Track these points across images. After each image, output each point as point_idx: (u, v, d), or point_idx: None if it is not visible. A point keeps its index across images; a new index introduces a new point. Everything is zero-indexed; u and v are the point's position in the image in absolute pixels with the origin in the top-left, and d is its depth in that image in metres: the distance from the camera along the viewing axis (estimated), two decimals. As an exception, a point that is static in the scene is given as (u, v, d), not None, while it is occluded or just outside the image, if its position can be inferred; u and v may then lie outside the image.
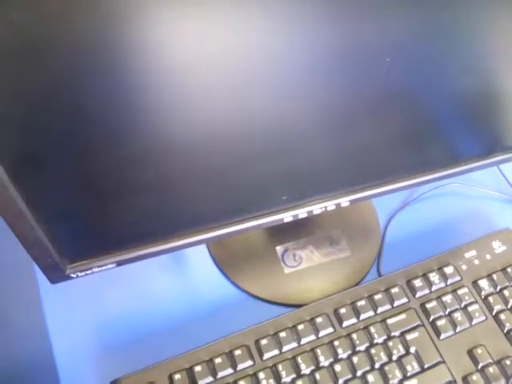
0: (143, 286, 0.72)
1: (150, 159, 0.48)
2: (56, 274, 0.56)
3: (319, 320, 0.65)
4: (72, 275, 0.57)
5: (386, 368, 0.63)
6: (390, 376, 0.62)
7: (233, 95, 0.46)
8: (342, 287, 0.71)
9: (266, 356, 0.63)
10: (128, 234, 0.56)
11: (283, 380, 0.61)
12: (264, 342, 0.63)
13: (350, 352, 0.64)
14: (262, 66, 0.44)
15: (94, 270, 0.57)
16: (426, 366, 0.63)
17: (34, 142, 0.42)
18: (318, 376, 0.61)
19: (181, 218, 0.58)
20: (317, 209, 0.64)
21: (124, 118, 0.43)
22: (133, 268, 0.68)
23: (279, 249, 0.73)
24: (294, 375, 0.61)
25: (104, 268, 0.58)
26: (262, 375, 0.61)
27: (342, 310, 0.67)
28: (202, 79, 0.43)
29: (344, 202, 0.65)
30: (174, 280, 0.72)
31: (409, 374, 0.63)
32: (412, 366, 0.63)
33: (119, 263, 0.58)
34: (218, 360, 0.62)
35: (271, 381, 0.61)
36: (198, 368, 0.61)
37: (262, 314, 0.68)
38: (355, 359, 0.63)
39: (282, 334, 0.64)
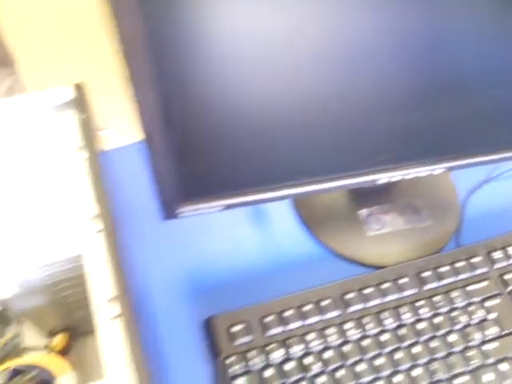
0: (233, 236, 0.75)
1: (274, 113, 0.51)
2: (169, 211, 0.60)
3: (403, 281, 0.68)
4: (182, 214, 0.60)
5: (467, 330, 0.65)
6: (470, 338, 0.64)
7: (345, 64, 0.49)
8: (422, 254, 0.73)
9: (352, 309, 0.66)
10: (233, 181, 0.60)
11: (367, 332, 0.64)
12: (350, 295, 0.67)
13: (431, 313, 0.66)
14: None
15: (201, 211, 0.61)
16: (506, 332, 0.65)
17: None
18: (401, 332, 0.64)
19: (284, 169, 0.61)
20: (411, 173, 0.66)
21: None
22: (224, 219, 0.72)
23: (363, 212, 0.76)
24: (378, 329, 0.64)
25: (210, 210, 0.61)
26: (347, 325, 0.64)
27: (425, 274, 0.69)
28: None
29: (438, 169, 0.67)
30: (260, 232, 0.76)
31: (489, 338, 0.65)
32: (492, 331, 0.65)
33: (226, 207, 0.62)
34: (306, 307, 0.65)
35: (356, 332, 0.64)
36: (288, 312, 0.64)
37: (342, 272, 0.71)
38: (437, 320, 0.66)
39: (367, 291, 0.67)
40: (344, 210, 0.78)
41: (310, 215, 0.77)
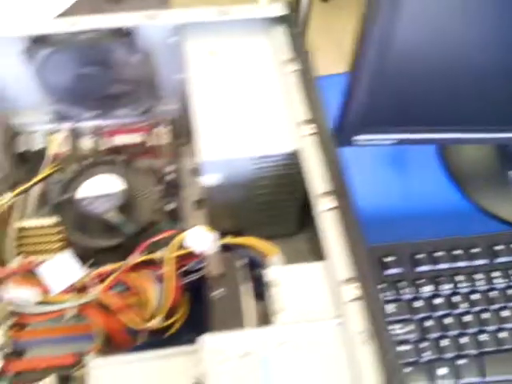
0: (377, 176, 0.78)
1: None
2: (346, 138, 0.63)
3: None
4: (357, 142, 0.63)
5: None
6: None
7: None
8: None
9: (499, 260, 0.67)
10: (407, 118, 0.62)
11: (512, 284, 0.65)
12: (499, 247, 0.68)
13: None
14: None
15: (374, 142, 0.64)
16: None
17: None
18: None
19: (454, 115, 0.63)
20: None
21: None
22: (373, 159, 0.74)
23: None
24: (524, 282, 0.65)
25: (382, 142, 0.64)
26: (495, 274, 0.66)
27: None
28: None
29: None
30: (404, 177, 0.78)
31: None
32: None
33: (397, 141, 0.64)
34: (456, 252, 0.67)
35: (503, 281, 0.65)
36: (438, 253, 0.67)
37: (484, 227, 0.73)
38: None
39: (515, 246, 0.68)
40: (494, 168, 0.78)
41: (457, 168, 0.79)
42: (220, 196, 0.55)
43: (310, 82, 0.53)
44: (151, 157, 0.70)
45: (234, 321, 0.43)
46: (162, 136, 0.69)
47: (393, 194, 0.76)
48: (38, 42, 0.56)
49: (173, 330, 0.51)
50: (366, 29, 0.51)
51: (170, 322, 0.49)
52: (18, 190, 0.60)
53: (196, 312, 0.53)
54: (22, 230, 0.59)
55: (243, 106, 0.53)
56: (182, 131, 0.71)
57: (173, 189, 0.67)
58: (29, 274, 0.51)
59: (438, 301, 0.64)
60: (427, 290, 0.64)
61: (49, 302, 0.50)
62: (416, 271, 0.66)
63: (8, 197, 0.58)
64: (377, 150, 0.69)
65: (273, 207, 0.59)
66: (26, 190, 0.61)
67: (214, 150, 0.50)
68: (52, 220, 0.59)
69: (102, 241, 0.57)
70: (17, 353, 0.57)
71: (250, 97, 0.54)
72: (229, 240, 0.48)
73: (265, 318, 0.45)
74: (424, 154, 0.80)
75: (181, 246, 0.49)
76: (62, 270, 0.47)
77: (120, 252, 0.58)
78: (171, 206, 0.64)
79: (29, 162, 0.68)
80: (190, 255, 0.50)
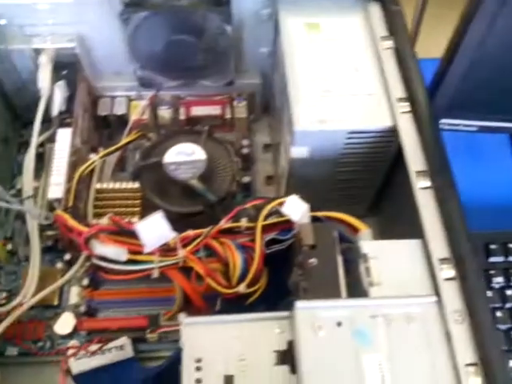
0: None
1: None
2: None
3: None
4: (442, 126, 0.62)
5: None
6: None
7: None
8: None
9: None
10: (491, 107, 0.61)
11: None
12: None
13: None
14: None
15: (459, 127, 0.63)
16: None
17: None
18: None
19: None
20: None
21: None
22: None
23: None
24: None
25: (466, 128, 0.63)
26: None
27: None
28: None
29: None
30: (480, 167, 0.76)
31: None
32: None
33: (479, 128, 0.63)
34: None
35: None
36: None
37: None
38: None
39: None
40: None
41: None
42: (303, 170, 0.55)
43: (406, 60, 0.52)
44: (227, 130, 0.71)
45: (330, 289, 0.43)
46: (239, 110, 0.69)
47: (468, 182, 0.74)
48: (134, 5, 0.56)
49: (253, 299, 0.51)
50: (469, 17, 0.50)
51: (252, 289, 0.49)
52: (102, 153, 0.61)
53: (269, 284, 0.53)
54: (101, 191, 0.60)
55: (337, 79, 0.53)
56: (257, 106, 0.72)
57: (247, 163, 0.68)
58: (115, 234, 0.51)
59: (509, 292, 0.63)
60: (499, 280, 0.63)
61: (135, 261, 0.50)
62: (489, 261, 0.64)
63: (94, 159, 0.59)
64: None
65: (351, 186, 0.59)
66: (109, 154, 0.62)
67: (308, 121, 0.50)
68: (131, 184, 0.60)
69: (183, 207, 0.58)
70: (90, 312, 0.58)
71: (344, 70, 0.53)
72: (318, 213, 0.48)
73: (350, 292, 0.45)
74: (498, 144, 0.79)
75: (268, 216, 0.49)
76: (156, 229, 0.48)
77: (197, 220, 0.59)
78: (246, 179, 0.64)
79: (109, 126, 0.69)
80: (277, 225, 0.50)
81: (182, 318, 0.43)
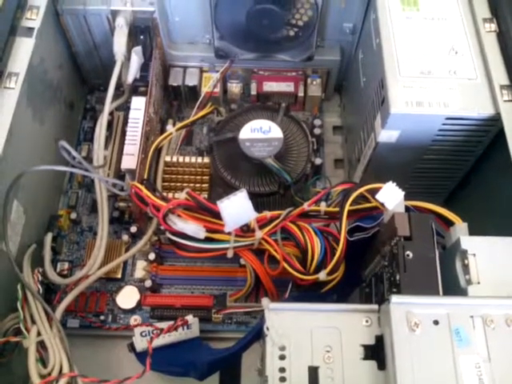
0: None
1: None
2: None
3: None
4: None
5: None
6: None
7: None
8: None
9: None
10: None
11: None
12: None
13: None
14: None
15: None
16: None
17: None
18: None
19: None
20: None
21: None
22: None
23: None
24: None
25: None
26: None
27: None
28: None
29: None
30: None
31: None
32: None
33: None
34: None
35: None
36: None
37: None
38: None
39: None
40: None
41: None
42: (387, 155, 0.52)
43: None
44: (298, 108, 0.68)
45: (427, 285, 0.40)
46: (313, 88, 0.66)
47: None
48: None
49: (329, 287, 0.49)
50: None
51: (331, 277, 0.47)
52: (179, 125, 0.59)
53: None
54: (170, 165, 0.58)
55: (436, 60, 0.50)
56: (330, 85, 0.69)
57: (317, 144, 0.65)
58: (190, 210, 0.49)
59: None
60: None
61: (211, 239, 0.49)
62: None
63: (171, 130, 0.57)
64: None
65: (433, 176, 0.56)
66: (186, 126, 0.60)
67: (405, 103, 0.47)
68: (200, 159, 0.58)
69: (255, 186, 0.56)
70: (154, 288, 0.56)
71: (442, 52, 0.50)
72: (412, 203, 0.45)
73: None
74: None
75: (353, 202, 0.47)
76: (239, 209, 0.45)
77: (268, 200, 0.57)
78: (318, 160, 0.61)
79: (177, 97, 0.67)
80: (362, 211, 0.48)
81: (267, 302, 0.41)
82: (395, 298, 0.38)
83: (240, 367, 0.53)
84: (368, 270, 0.50)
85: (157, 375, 0.52)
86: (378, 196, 0.43)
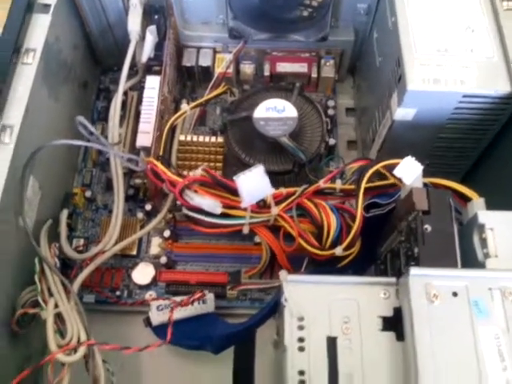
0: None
1: None
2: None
3: None
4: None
5: None
6: None
7: None
8: None
9: None
10: None
11: None
12: None
13: None
14: None
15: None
16: None
17: None
18: None
19: None
20: None
21: None
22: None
23: None
24: None
25: None
26: None
27: None
28: None
29: None
30: None
31: None
32: None
33: None
34: None
35: None
36: None
37: None
38: None
39: None
40: None
41: None
42: (402, 134, 0.53)
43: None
44: (311, 89, 0.68)
45: (445, 258, 0.40)
46: (327, 69, 0.66)
47: None
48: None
49: (345, 262, 0.49)
50: None
51: (348, 252, 0.47)
52: (193, 104, 0.59)
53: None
54: (184, 143, 0.58)
55: (452, 38, 0.50)
56: (344, 67, 0.69)
57: (331, 125, 0.65)
58: (206, 186, 0.50)
59: None
60: None
61: (227, 215, 0.49)
62: None
63: (185, 109, 0.57)
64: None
65: (449, 155, 0.56)
66: (200, 105, 0.60)
67: (422, 80, 0.47)
68: (214, 138, 0.58)
69: (270, 165, 0.56)
70: (169, 264, 0.57)
71: (459, 30, 0.50)
72: (429, 180, 0.45)
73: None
74: None
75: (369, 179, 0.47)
76: (256, 184, 0.46)
77: (282, 179, 0.57)
78: (332, 140, 0.61)
79: (190, 78, 0.67)
80: (377, 189, 0.48)
81: (284, 275, 0.41)
82: (414, 270, 0.38)
83: (254, 342, 0.53)
84: (383, 246, 0.51)
85: (172, 349, 0.53)
86: (396, 171, 0.43)
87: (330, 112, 0.64)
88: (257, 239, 0.55)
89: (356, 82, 0.70)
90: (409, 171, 0.42)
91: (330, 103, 0.65)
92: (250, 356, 0.52)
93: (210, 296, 0.51)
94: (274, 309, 0.47)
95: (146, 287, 0.56)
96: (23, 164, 0.46)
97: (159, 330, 0.50)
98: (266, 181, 0.46)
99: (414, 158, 0.43)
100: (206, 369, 0.53)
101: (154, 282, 0.56)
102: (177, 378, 0.53)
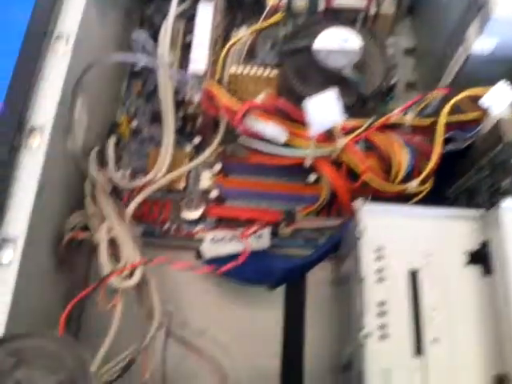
0: None
1: None
2: None
3: None
4: None
5: None
6: None
7: None
8: None
9: None
10: None
11: None
12: None
13: None
14: None
15: None
16: None
17: None
18: None
19: None
20: None
21: None
22: None
23: None
24: None
25: None
26: None
27: None
28: None
29: None
30: None
31: None
32: None
33: None
34: None
35: None
36: None
37: None
38: None
39: None
40: None
41: None
42: (476, 69, 0.49)
43: None
44: (369, 27, 0.64)
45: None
46: (387, 5, 0.62)
47: None
48: None
49: (417, 199, 0.46)
50: None
51: (421, 188, 0.44)
52: (252, 29, 0.55)
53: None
54: (235, 75, 0.55)
55: None
56: (404, 3, 0.65)
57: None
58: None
59: None
60: None
61: (289, 145, 0.46)
62: None
63: (243, 33, 0.54)
64: None
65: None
66: (260, 32, 0.57)
67: (509, 7, 0.43)
68: (267, 71, 0.55)
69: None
70: (220, 199, 0.54)
71: None
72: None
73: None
74: None
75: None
76: (327, 109, 0.42)
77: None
78: (394, 79, 0.58)
79: (240, 8, 0.64)
80: (455, 124, 0.45)
81: (360, 204, 0.38)
82: (506, 203, 0.36)
83: (305, 283, 0.51)
84: (454, 186, 0.48)
85: (221, 289, 0.51)
86: (485, 98, 0.39)
87: (389, 51, 0.60)
88: (310, 179, 0.52)
89: (416, 20, 0.66)
90: (499, 99, 0.39)
91: (390, 41, 0.61)
92: (302, 296, 0.50)
93: (266, 231, 0.48)
94: (335, 246, 0.45)
95: (195, 222, 0.53)
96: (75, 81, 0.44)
97: (212, 263, 0.47)
98: (338, 106, 0.43)
99: (507, 83, 0.39)
100: (256, 310, 0.51)
101: (204, 217, 0.53)
102: (226, 318, 0.51)
